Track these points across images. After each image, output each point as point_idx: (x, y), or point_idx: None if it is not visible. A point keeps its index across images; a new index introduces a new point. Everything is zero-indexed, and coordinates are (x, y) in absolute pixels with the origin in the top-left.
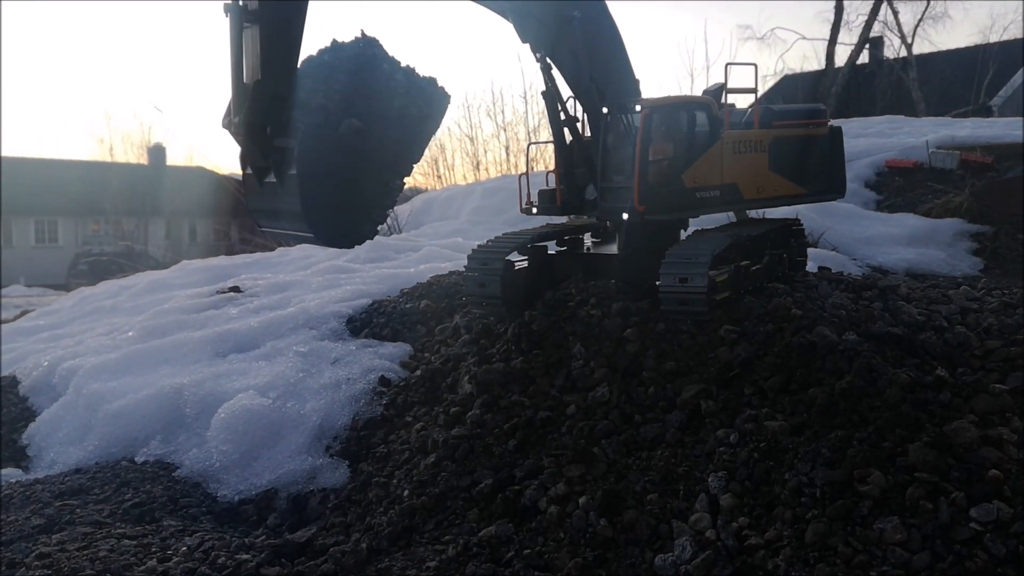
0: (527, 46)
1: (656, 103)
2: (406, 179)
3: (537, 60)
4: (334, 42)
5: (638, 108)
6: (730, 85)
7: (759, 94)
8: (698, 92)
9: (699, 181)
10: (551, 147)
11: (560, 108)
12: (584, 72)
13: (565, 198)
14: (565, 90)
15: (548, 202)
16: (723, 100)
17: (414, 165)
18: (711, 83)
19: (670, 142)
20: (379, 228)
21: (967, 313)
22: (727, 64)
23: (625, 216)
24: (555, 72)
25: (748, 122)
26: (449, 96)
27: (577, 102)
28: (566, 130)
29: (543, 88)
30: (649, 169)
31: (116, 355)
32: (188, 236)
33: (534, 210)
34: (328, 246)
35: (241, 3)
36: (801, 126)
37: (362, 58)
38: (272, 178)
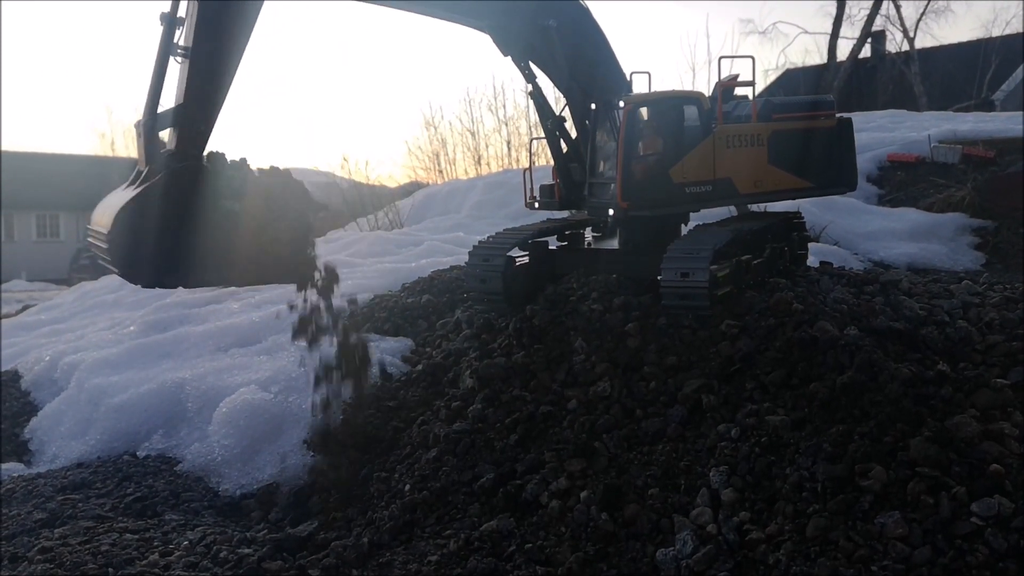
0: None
1: (638, 98)
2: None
3: (521, 70)
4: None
5: (621, 104)
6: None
7: (757, 88)
8: (700, 86)
9: (688, 176)
10: None
11: (548, 109)
12: (565, 75)
13: (563, 194)
14: (553, 90)
15: (548, 197)
16: (733, 92)
17: (231, 282)
18: (725, 76)
19: (656, 137)
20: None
21: (969, 308)
22: (720, 58)
23: (611, 212)
24: (540, 75)
25: (746, 116)
26: (296, 283)
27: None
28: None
29: (530, 89)
30: (632, 164)
31: (118, 350)
32: None
33: (536, 205)
34: (113, 267)
35: (178, 41)
36: (803, 119)
37: (297, 195)
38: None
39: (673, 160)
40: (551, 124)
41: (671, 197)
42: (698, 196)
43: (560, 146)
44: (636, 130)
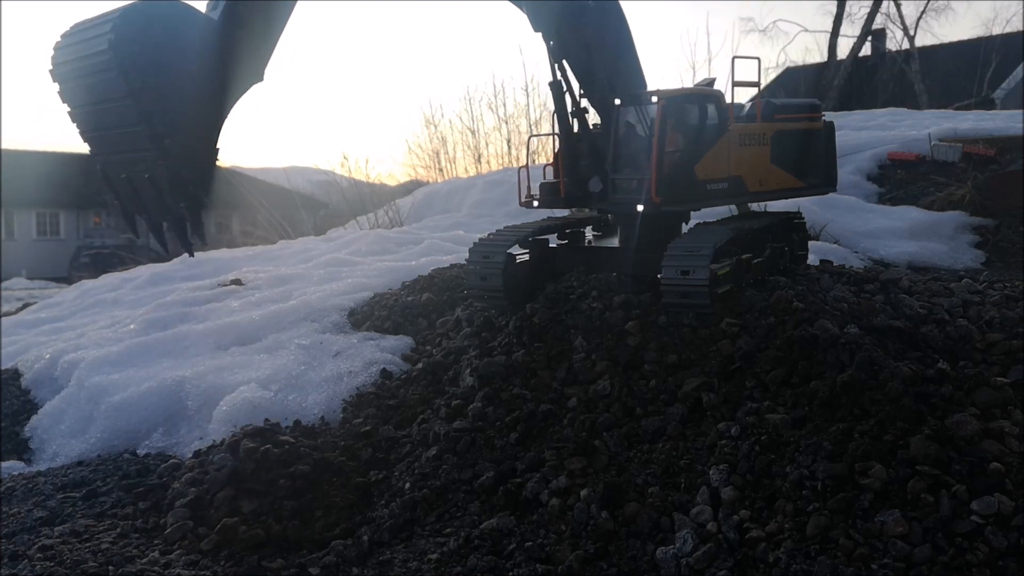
0: (529, 39)
1: (673, 94)
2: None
3: (548, 50)
4: None
5: (654, 99)
6: (729, 78)
7: (761, 87)
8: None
9: (709, 173)
10: (551, 140)
11: (570, 98)
12: (596, 62)
13: (568, 190)
14: (573, 81)
15: (551, 195)
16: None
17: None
18: (709, 76)
19: (684, 133)
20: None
21: (969, 306)
22: (733, 57)
23: (640, 208)
24: (565, 63)
25: (750, 115)
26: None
27: (582, 94)
28: (573, 121)
29: (551, 79)
30: (664, 160)
31: (118, 348)
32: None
33: (535, 203)
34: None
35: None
36: (800, 120)
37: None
38: None
39: (698, 157)
40: (574, 113)
41: (695, 193)
42: (716, 193)
43: (573, 140)
44: (669, 126)
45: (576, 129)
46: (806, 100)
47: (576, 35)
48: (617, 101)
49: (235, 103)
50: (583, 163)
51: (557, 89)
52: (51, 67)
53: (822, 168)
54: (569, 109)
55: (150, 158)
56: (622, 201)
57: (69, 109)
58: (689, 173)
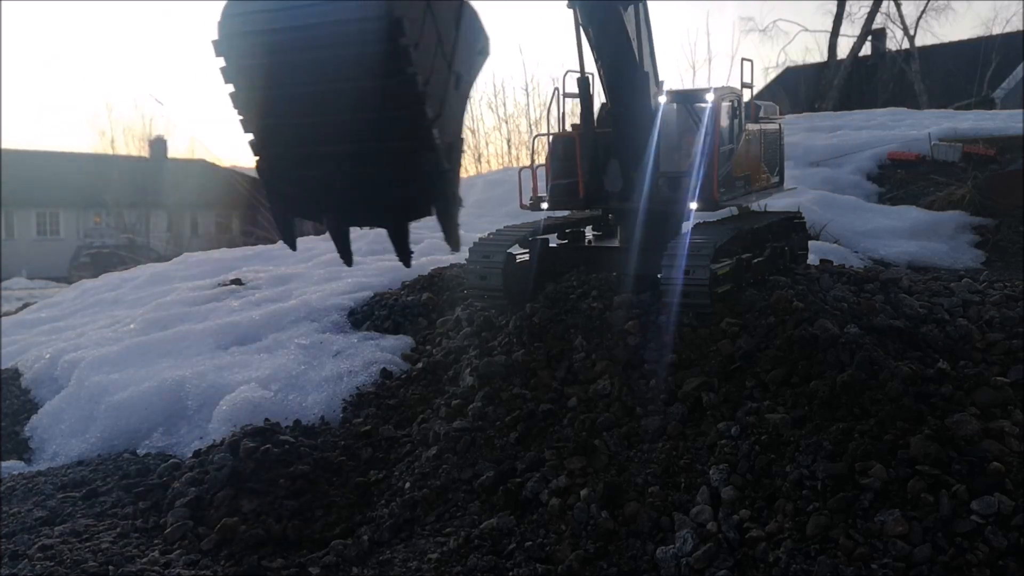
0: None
1: (722, 92)
2: None
3: (592, 47)
4: None
5: (708, 97)
6: (739, 79)
7: (754, 88)
8: (700, 85)
9: (736, 171)
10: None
11: (608, 97)
12: (645, 57)
13: (588, 191)
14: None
15: (566, 196)
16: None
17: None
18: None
19: (727, 132)
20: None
21: (969, 306)
22: (743, 59)
23: (693, 206)
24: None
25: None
26: None
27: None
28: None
29: (579, 76)
30: (720, 158)
31: (118, 347)
32: (190, 229)
33: (543, 205)
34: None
35: None
36: (773, 121)
37: None
38: None
39: (732, 155)
40: (608, 112)
41: (732, 191)
42: (738, 191)
43: (595, 139)
44: (720, 124)
45: (608, 127)
46: (769, 103)
47: (622, 32)
48: (662, 99)
49: (473, 83)
50: (608, 162)
51: (584, 86)
52: (228, 39)
53: (780, 167)
54: (606, 108)
55: (402, 150)
56: (667, 199)
57: (247, 92)
58: (731, 171)
